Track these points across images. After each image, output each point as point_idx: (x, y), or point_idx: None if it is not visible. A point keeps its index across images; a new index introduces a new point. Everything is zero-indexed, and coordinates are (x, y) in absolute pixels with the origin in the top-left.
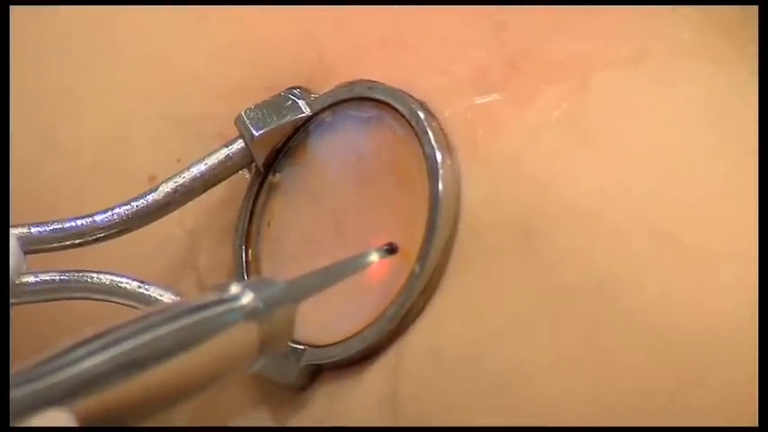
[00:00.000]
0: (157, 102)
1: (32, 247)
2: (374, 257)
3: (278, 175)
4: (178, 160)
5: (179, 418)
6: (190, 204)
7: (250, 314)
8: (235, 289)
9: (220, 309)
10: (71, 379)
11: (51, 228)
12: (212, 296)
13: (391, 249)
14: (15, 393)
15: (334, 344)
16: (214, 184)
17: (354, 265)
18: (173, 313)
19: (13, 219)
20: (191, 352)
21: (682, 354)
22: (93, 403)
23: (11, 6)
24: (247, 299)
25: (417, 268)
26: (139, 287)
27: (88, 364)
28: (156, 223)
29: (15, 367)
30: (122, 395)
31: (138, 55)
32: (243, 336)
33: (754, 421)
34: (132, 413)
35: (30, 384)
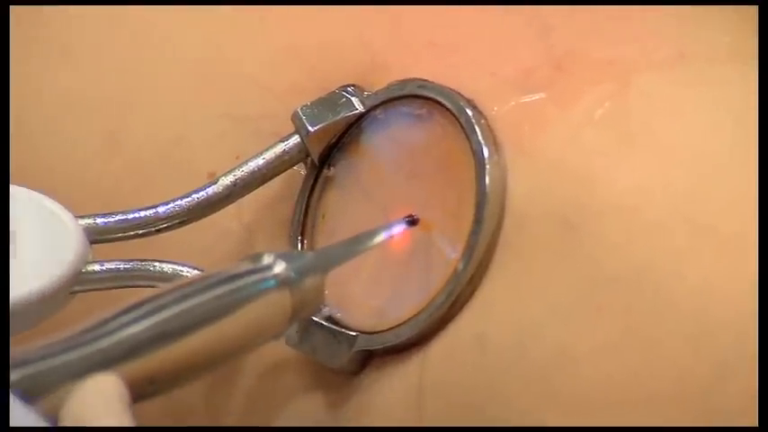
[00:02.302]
0: (217, 101)
1: (98, 237)
2: (396, 229)
3: (332, 169)
4: (237, 157)
5: (235, 398)
6: (247, 199)
7: (283, 282)
8: (267, 259)
9: (255, 277)
10: (117, 344)
11: (116, 219)
12: (246, 266)
13: (412, 221)
14: (64, 358)
15: (385, 330)
16: (271, 178)
17: (376, 235)
18: (210, 282)
19: (78, 212)
20: (227, 318)
21: (720, 343)
22: (137, 367)
23: (82, 8)
24: (280, 268)
25: (464, 259)
26: None
27: (132, 330)
28: (214, 217)
29: (63, 333)
30: (165, 359)
31: (198, 56)
32: (276, 303)
33: None
34: (174, 376)
35: (78, 349)
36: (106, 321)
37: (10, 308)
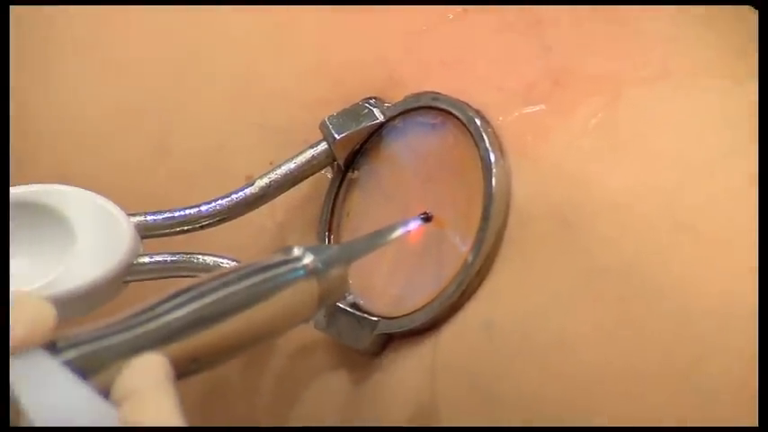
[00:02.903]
0: (253, 113)
1: (148, 232)
2: (412, 225)
3: (356, 172)
4: (270, 162)
5: (269, 376)
6: (280, 200)
7: (311, 272)
8: (297, 251)
9: (286, 268)
10: (162, 327)
11: (164, 216)
12: (278, 257)
13: (427, 218)
14: (116, 339)
15: (402, 316)
16: (301, 180)
17: (394, 230)
18: (246, 272)
19: (130, 211)
20: (261, 304)
21: (700, 327)
22: (180, 348)
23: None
24: (308, 259)
25: (473, 253)
26: None
27: (176, 315)
28: (250, 215)
29: (114, 317)
30: (205, 341)
31: (235, 73)
32: (305, 290)
33: (754, 385)
34: (214, 355)
35: (127, 332)
36: (153, 307)
37: (71, 295)
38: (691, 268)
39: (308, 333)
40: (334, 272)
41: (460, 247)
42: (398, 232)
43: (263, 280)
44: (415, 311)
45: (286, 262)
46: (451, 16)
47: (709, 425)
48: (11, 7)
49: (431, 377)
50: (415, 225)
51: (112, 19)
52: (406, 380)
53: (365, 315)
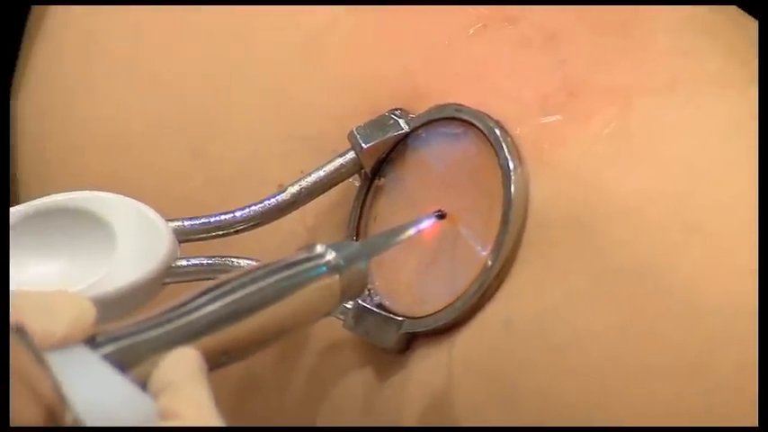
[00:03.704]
0: (284, 124)
1: (185, 237)
2: (426, 222)
3: (383, 179)
4: (301, 171)
5: (300, 373)
6: (310, 206)
7: (333, 269)
8: (320, 249)
9: (309, 264)
10: (195, 322)
11: (201, 221)
12: (302, 255)
13: (441, 215)
14: (151, 334)
15: (426, 316)
16: (330, 188)
17: (411, 227)
18: (272, 269)
19: (168, 217)
20: (287, 299)
21: (709, 324)
22: (212, 341)
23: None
24: (330, 256)
25: (493, 256)
26: None
27: (207, 310)
28: (282, 221)
29: (149, 313)
30: (235, 334)
31: (267, 84)
32: (327, 286)
33: (754, 378)
34: (243, 348)
35: (161, 327)
36: (185, 303)
37: (113, 297)
38: (699, 268)
39: (336, 332)
40: (355, 267)
41: (481, 250)
42: (414, 229)
43: (287, 276)
44: (438, 312)
45: (309, 259)
46: (472, 31)
47: (718, 418)
48: (54, 24)
49: (453, 373)
50: (429, 222)
51: (151, 35)
52: (429, 376)
53: (391, 315)
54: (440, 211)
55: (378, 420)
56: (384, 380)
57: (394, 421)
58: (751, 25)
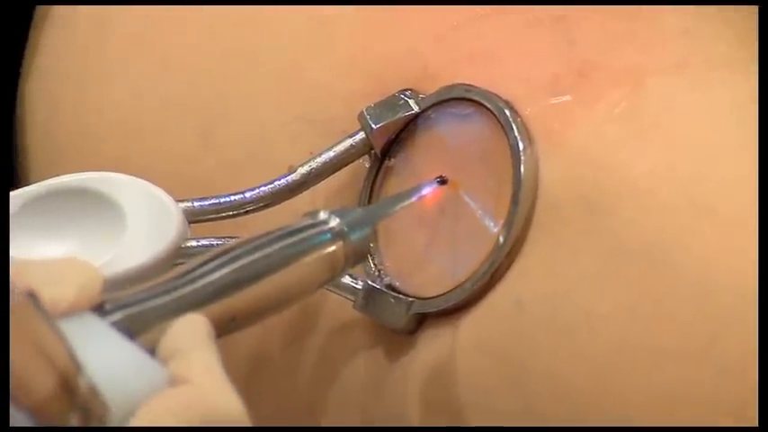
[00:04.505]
0: (293, 106)
1: (195, 218)
2: (427, 188)
3: (392, 160)
4: (311, 152)
5: (310, 354)
6: (320, 187)
7: (337, 235)
8: (323, 215)
9: (314, 231)
10: (202, 288)
11: (210, 202)
12: (306, 221)
13: (442, 181)
14: (159, 301)
15: (437, 296)
16: (340, 168)
17: (412, 194)
18: (277, 235)
19: (178, 197)
20: (291, 266)
21: (718, 304)
22: (219, 307)
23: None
24: (334, 223)
25: (503, 235)
26: None
27: (213, 276)
28: (292, 201)
29: (156, 281)
30: (242, 300)
31: (276, 66)
32: (332, 252)
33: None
34: (250, 314)
35: (169, 294)
36: (192, 270)
37: (124, 277)
38: (709, 248)
39: (346, 313)
40: (359, 234)
41: (492, 229)
42: (416, 195)
43: (292, 243)
44: (448, 292)
45: (313, 225)
46: (481, 12)
47: (725, 400)
48: (64, 9)
49: (464, 353)
50: (431, 188)
51: (163, 18)
52: (440, 356)
53: (401, 296)
54: (441, 177)
55: (387, 401)
56: (394, 361)
57: (403, 402)
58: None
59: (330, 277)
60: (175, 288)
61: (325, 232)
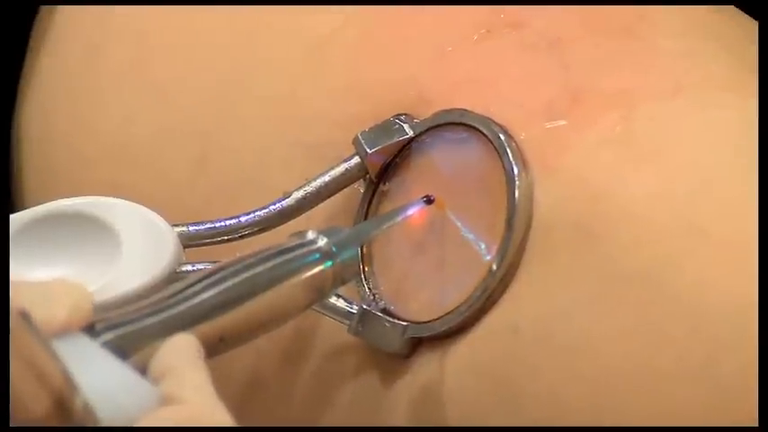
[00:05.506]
0: (288, 131)
1: (190, 242)
2: (415, 207)
3: (387, 184)
4: (306, 178)
5: (305, 377)
6: (315, 212)
7: (325, 254)
8: (311, 235)
9: (302, 251)
10: (191, 309)
11: (205, 227)
12: (294, 241)
13: (429, 200)
14: (147, 322)
15: (432, 320)
16: (335, 193)
17: (399, 213)
18: (265, 255)
19: (173, 222)
20: (280, 286)
21: (714, 328)
22: (207, 328)
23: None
24: (322, 242)
25: (497, 260)
26: None
27: (202, 297)
28: (288, 226)
29: (145, 301)
30: (231, 320)
31: (271, 91)
32: (320, 271)
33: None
34: (239, 334)
35: (159, 314)
36: (182, 290)
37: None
38: (704, 272)
39: (341, 337)
40: (347, 253)
41: (485, 255)
42: (402, 215)
43: (280, 263)
44: (443, 316)
45: (301, 245)
46: (476, 37)
47: (723, 420)
48: (58, 33)
49: (459, 376)
50: (417, 207)
51: (156, 43)
52: (434, 379)
53: (396, 320)
54: (427, 196)
55: (382, 425)
56: (389, 385)
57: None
58: (749, 25)
59: (318, 297)
60: (164, 309)
61: (313, 252)
